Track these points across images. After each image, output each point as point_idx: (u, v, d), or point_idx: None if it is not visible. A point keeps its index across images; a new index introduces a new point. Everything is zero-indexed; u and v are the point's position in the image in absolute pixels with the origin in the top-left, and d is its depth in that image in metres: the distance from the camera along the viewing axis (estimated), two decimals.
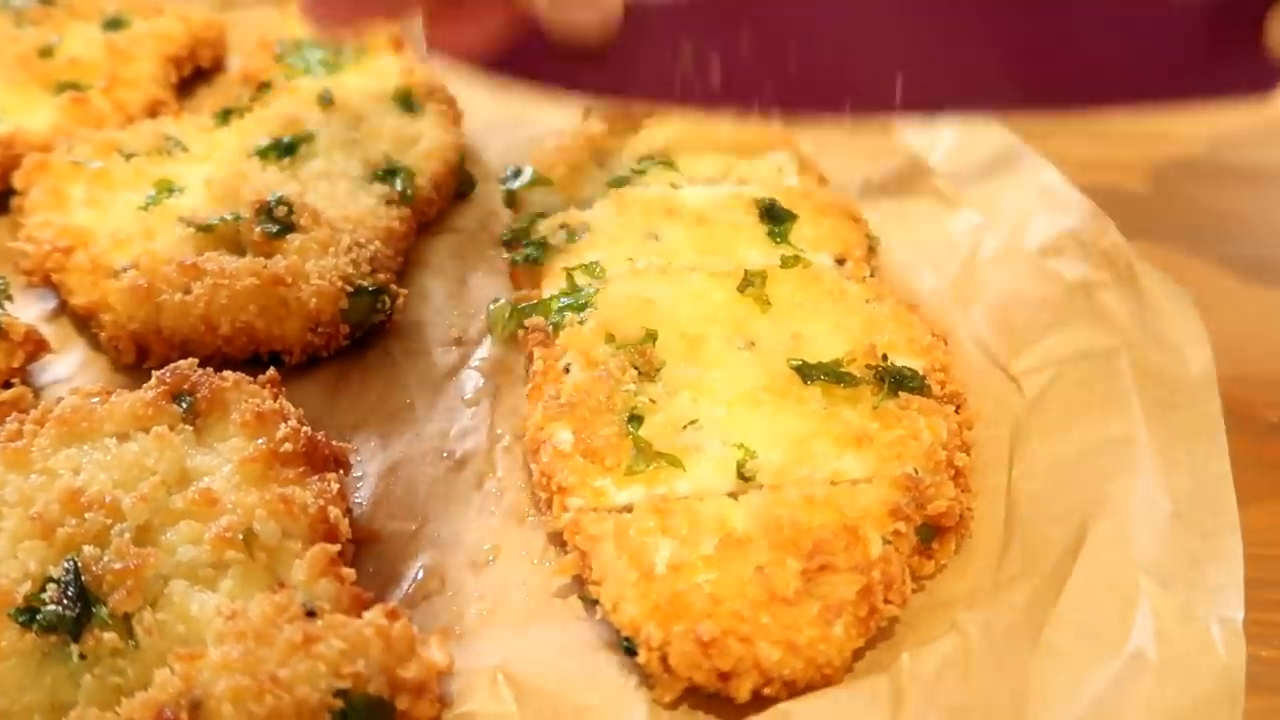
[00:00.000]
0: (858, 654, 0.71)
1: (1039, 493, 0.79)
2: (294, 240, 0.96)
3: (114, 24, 1.28)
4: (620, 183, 1.04)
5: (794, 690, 0.68)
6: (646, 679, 0.71)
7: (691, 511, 0.74)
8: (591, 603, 0.73)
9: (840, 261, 0.97)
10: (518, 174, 1.07)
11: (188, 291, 0.92)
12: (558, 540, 0.79)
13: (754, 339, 0.87)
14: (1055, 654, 0.67)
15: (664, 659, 0.68)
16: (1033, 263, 0.97)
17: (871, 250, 1.01)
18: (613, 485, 0.78)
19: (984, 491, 0.81)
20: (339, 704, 0.64)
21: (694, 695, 0.69)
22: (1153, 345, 0.86)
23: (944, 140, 1.12)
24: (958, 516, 0.77)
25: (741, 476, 0.77)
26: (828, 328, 0.88)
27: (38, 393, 0.91)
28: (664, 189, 1.02)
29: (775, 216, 0.99)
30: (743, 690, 0.67)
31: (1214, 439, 0.80)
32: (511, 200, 1.07)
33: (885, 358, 0.85)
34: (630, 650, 0.70)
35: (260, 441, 0.77)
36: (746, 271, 0.91)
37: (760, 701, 0.68)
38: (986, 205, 1.04)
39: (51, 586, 0.69)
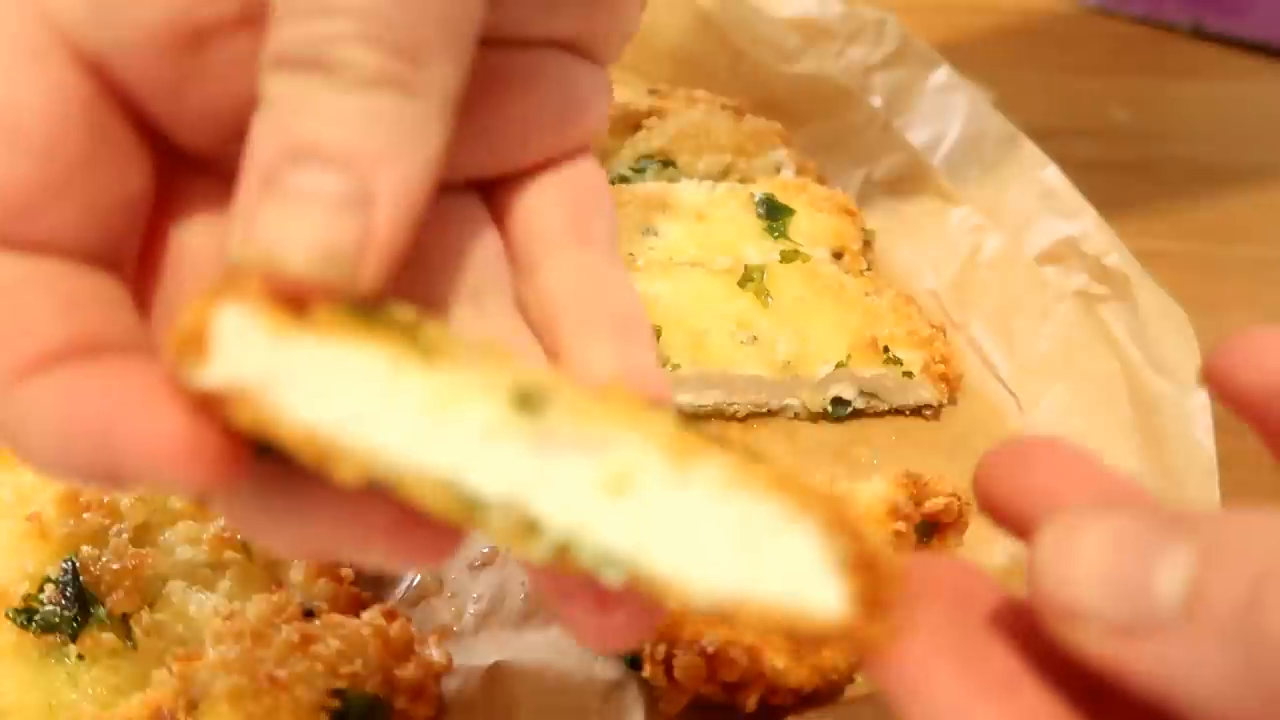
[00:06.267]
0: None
1: None
2: None
3: None
4: (619, 182, 1.04)
5: (801, 698, 0.68)
6: (651, 692, 0.70)
7: None
8: None
9: (837, 256, 0.97)
10: None
11: None
12: None
13: (756, 334, 0.87)
14: None
15: (669, 672, 0.67)
16: (1032, 270, 0.97)
17: (867, 244, 1.01)
18: None
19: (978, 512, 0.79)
20: (336, 703, 0.64)
21: (697, 706, 0.69)
22: (1150, 371, 0.85)
23: (950, 137, 1.11)
24: (956, 513, 0.76)
25: None
26: (829, 322, 0.88)
27: None
28: (661, 185, 1.02)
29: (773, 211, 0.98)
30: (750, 701, 0.67)
31: (1205, 475, 0.79)
32: None
33: (887, 350, 0.84)
34: (634, 664, 0.70)
35: None
36: (746, 266, 0.91)
37: (766, 711, 0.68)
38: (988, 206, 1.04)
39: (50, 586, 0.69)
